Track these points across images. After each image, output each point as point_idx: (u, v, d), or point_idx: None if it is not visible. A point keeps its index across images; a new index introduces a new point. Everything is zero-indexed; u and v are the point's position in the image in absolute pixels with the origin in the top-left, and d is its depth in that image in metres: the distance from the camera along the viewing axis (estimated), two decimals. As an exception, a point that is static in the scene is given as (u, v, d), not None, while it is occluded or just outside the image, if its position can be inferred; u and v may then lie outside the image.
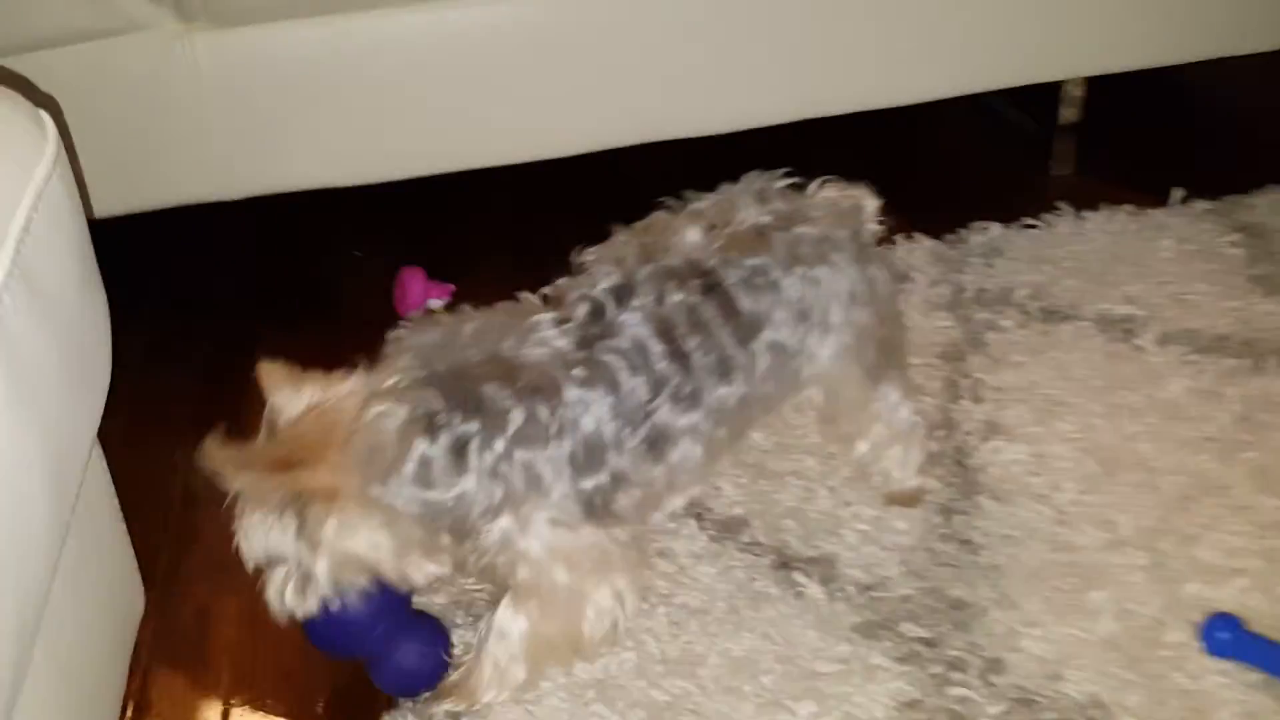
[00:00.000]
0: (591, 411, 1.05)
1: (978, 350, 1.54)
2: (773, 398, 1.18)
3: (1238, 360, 1.48)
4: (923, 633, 1.17)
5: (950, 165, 2.08)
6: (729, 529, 1.30)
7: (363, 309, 1.72)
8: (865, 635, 1.17)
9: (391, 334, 1.09)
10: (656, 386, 1.08)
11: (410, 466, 0.99)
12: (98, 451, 1.04)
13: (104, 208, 1.59)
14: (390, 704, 1.13)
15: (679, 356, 1.08)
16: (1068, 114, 2.10)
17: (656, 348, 1.07)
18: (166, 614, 1.25)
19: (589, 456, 1.06)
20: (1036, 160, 2.06)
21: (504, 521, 1.03)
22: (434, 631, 1.15)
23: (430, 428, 1.00)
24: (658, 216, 1.16)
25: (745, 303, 1.11)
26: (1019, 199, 1.86)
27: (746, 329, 1.11)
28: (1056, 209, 1.82)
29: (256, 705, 1.17)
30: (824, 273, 1.14)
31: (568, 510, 1.06)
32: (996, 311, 1.61)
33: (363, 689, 1.13)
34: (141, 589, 1.15)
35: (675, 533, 1.29)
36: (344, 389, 1.00)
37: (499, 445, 1.01)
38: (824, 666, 1.14)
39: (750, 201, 1.15)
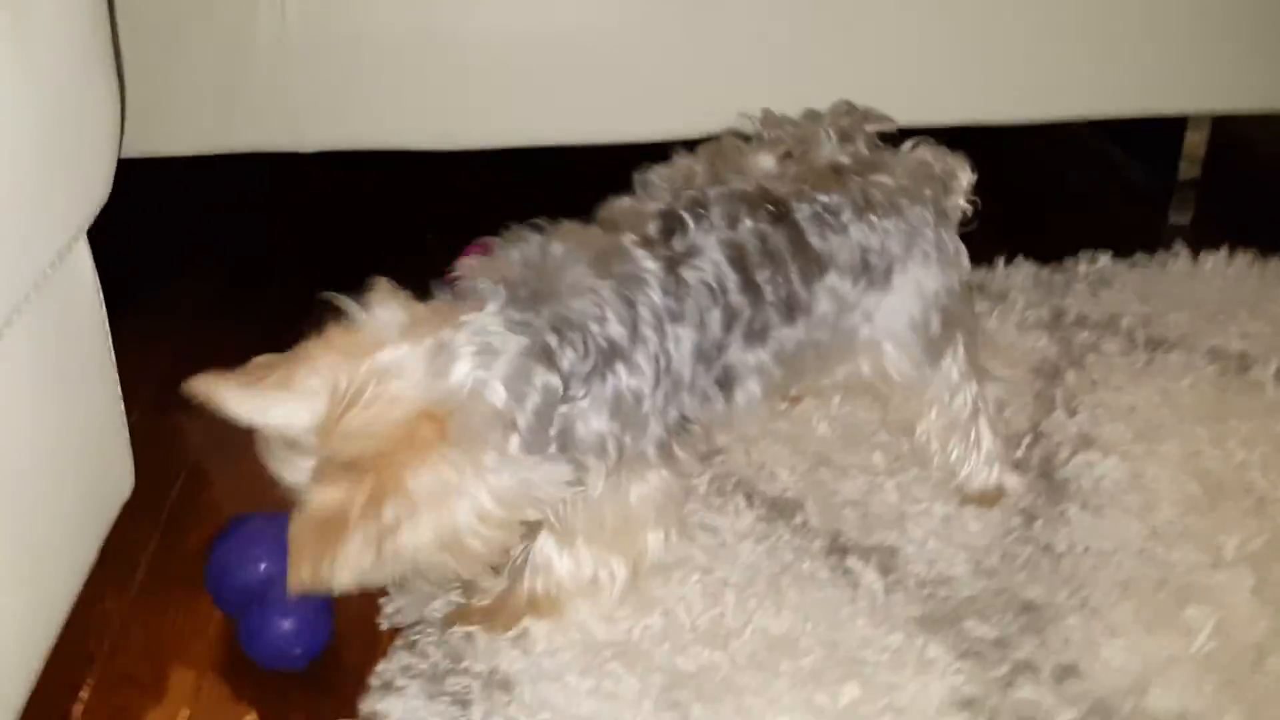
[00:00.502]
0: (681, 348, 0.97)
1: (1076, 369, 1.41)
2: (826, 352, 1.07)
3: (1362, 399, 1.33)
4: (989, 631, 1.03)
5: (1064, 200, 1.98)
6: (780, 510, 1.18)
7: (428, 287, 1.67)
8: (923, 628, 1.04)
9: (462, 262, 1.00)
10: (730, 320, 0.99)
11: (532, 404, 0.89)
12: (99, 307, 0.99)
13: (178, 145, 1.57)
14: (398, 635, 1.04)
15: (751, 288, 1.00)
16: (1188, 170, 1.99)
17: (733, 277, 0.99)
18: (173, 545, 1.18)
19: (668, 395, 0.97)
20: (1154, 208, 1.94)
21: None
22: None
23: (547, 358, 0.90)
24: (728, 139, 1.08)
25: (814, 240, 1.02)
26: (1133, 238, 1.74)
27: (812, 268, 1.02)
28: (1172, 250, 1.70)
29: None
30: (894, 225, 1.05)
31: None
32: (1099, 335, 1.48)
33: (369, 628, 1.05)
34: (131, 471, 1.08)
35: (720, 508, 1.18)
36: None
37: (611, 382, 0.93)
38: (872, 655, 1.01)
39: (832, 138, 1.07)
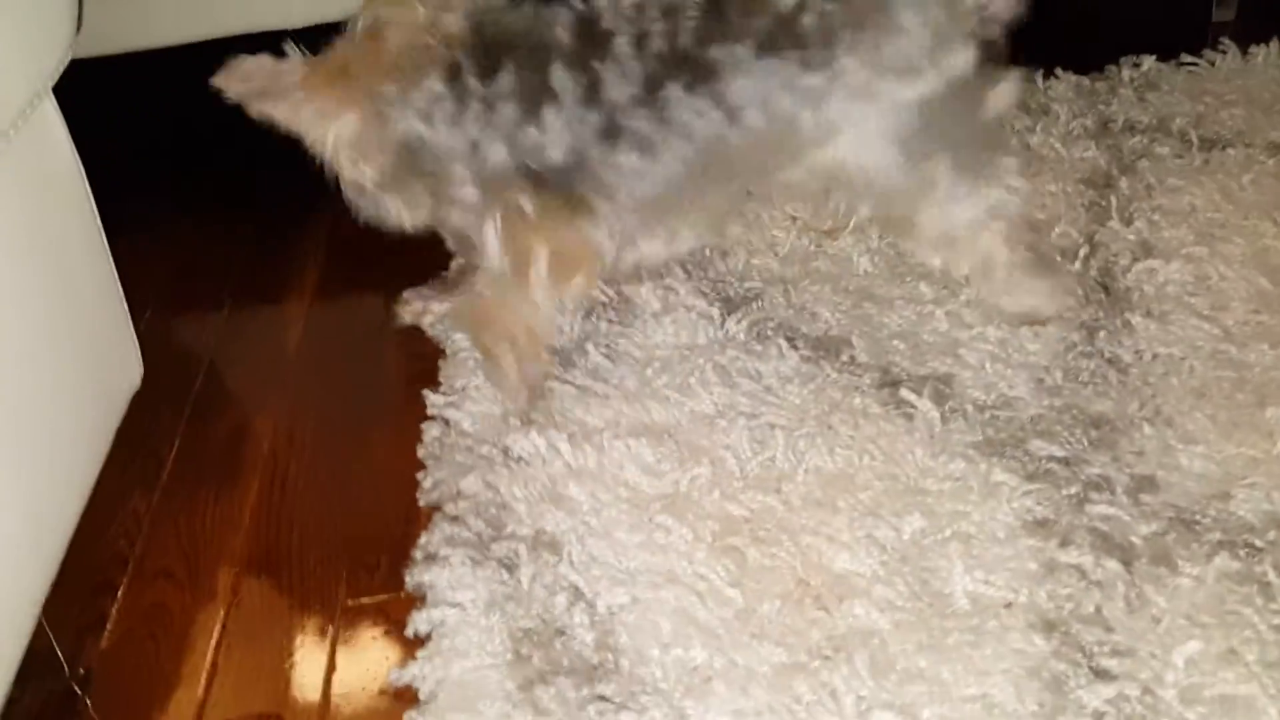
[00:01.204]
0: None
1: (1128, 175, 1.32)
2: (758, 139, 1.00)
3: None
4: (1057, 450, 0.97)
5: (1099, 6, 1.85)
6: (825, 348, 1.12)
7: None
8: (985, 453, 0.98)
9: None
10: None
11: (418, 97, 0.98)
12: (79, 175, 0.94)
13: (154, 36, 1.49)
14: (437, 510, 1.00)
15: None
16: (1231, -37, 1.85)
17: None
18: (197, 437, 1.14)
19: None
20: (1196, 6, 1.82)
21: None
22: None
23: (451, 74, 0.98)
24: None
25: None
26: (1176, 39, 1.62)
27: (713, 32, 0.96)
28: (1220, 47, 1.58)
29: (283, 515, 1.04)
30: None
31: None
32: (1150, 139, 1.39)
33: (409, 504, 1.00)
34: (139, 360, 1.03)
35: (761, 354, 1.12)
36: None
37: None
38: (934, 484, 0.96)
39: None
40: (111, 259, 1.00)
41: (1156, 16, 1.82)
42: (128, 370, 1.01)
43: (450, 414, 1.09)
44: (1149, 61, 1.56)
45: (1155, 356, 1.06)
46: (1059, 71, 1.56)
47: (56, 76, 0.89)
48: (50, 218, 0.89)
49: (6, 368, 0.78)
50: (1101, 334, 1.09)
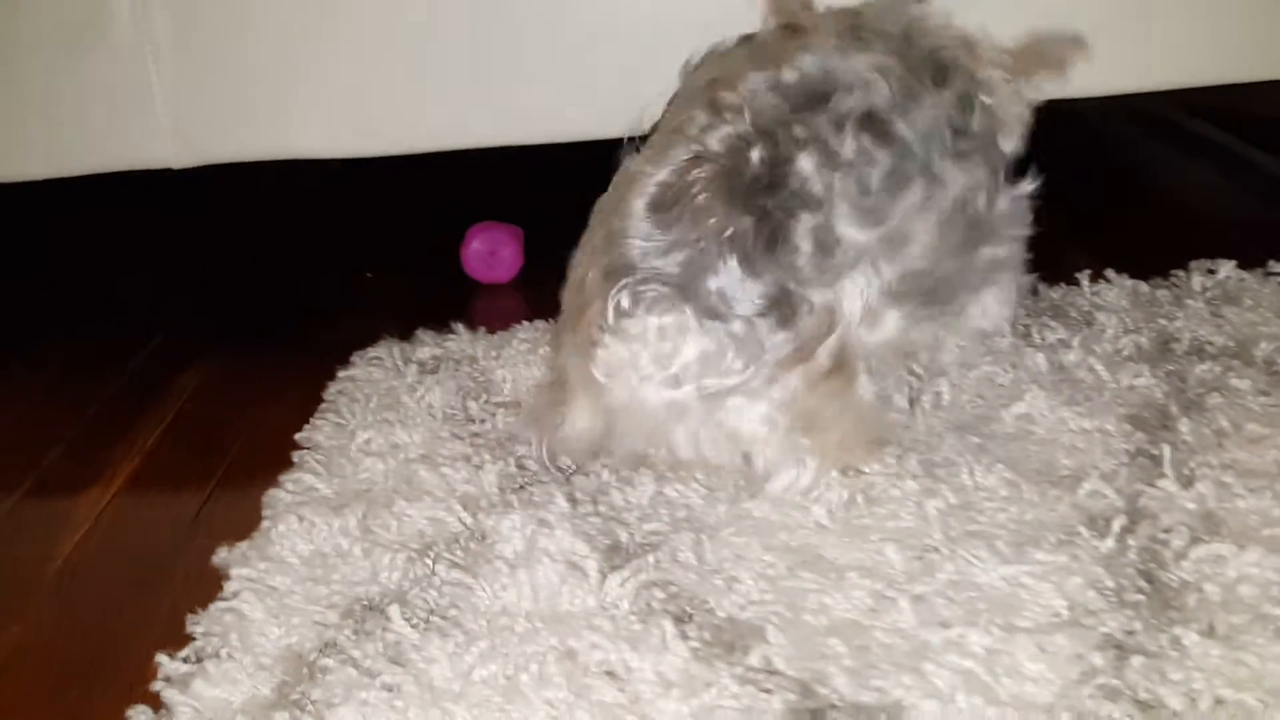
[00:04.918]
0: None
1: (1192, 415, 0.98)
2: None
3: None
4: None
5: (1168, 204, 1.54)
6: (728, 641, 0.78)
7: (316, 328, 1.35)
8: None
9: None
10: None
11: None
12: None
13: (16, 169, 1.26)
14: None
15: None
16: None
17: None
18: None
19: None
20: (1282, 206, 1.50)
21: None
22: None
23: None
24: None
25: None
26: (1258, 246, 1.29)
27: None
28: (1319, 255, 1.25)
29: None
30: None
31: None
32: (1224, 368, 1.05)
33: None
34: None
35: (638, 639, 0.78)
36: None
37: None
38: None
39: None
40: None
41: (1247, 213, 1.51)
42: None
43: (170, 695, 0.76)
44: (1227, 268, 1.23)
45: (1219, 702, 0.69)
46: (1110, 273, 1.24)
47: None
48: None
49: None
50: (1136, 660, 0.72)
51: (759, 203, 0.82)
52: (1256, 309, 1.16)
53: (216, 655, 0.80)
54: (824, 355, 0.84)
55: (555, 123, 1.29)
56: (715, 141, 0.83)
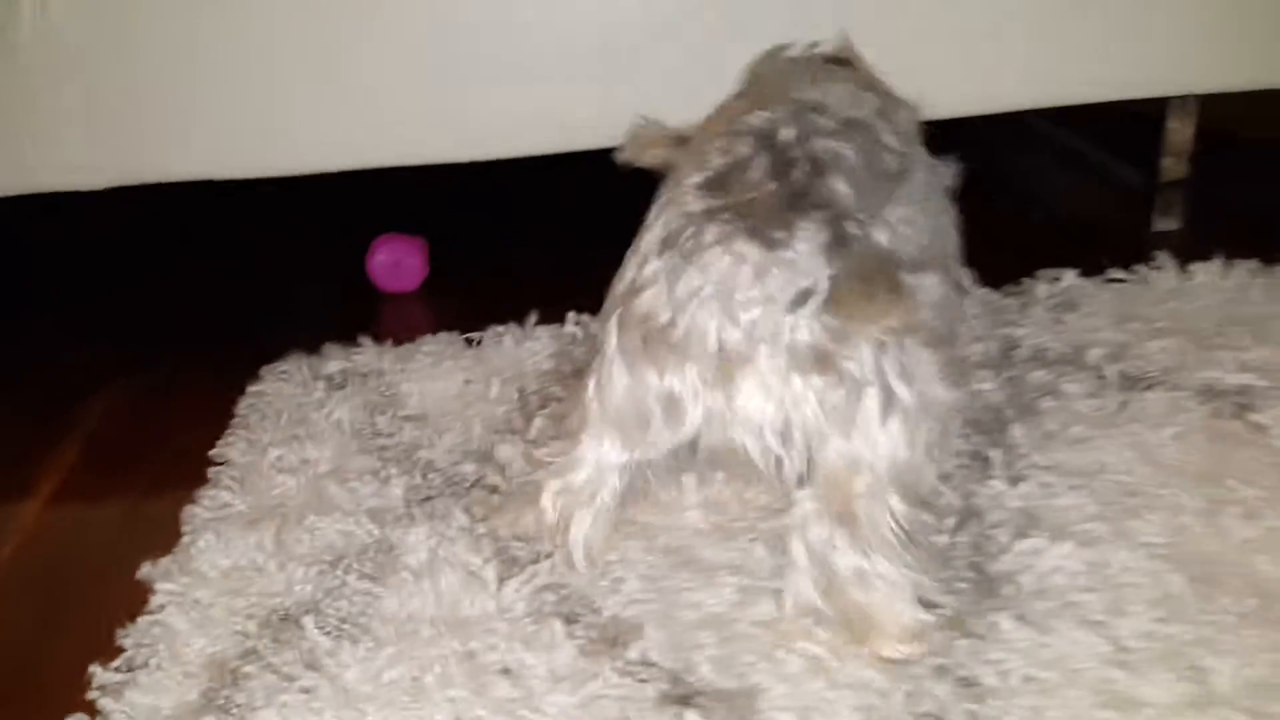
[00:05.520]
0: None
1: (1026, 419, 1.10)
2: None
3: (1406, 447, 1.00)
4: (874, 822, 0.72)
5: (1026, 213, 1.67)
6: (611, 638, 0.88)
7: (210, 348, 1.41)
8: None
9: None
10: None
11: None
12: None
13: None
14: None
15: None
16: (1173, 167, 1.68)
17: None
18: None
19: None
20: (1136, 214, 1.63)
21: None
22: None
23: None
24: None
25: None
26: (1107, 252, 1.42)
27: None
28: (1154, 262, 1.38)
29: None
30: None
31: None
32: (1060, 373, 1.17)
33: None
34: None
35: (533, 639, 0.87)
36: None
37: None
38: None
39: None
40: None
41: (1089, 221, 1.64)
42: None
43: (105, 703, 0.84)
44: (1070, 275, 1.36)
45: (1027, 680, 0.81)
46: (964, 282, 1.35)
47: None
48: None
49: None
50: (962, 643, 0.84)
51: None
52: (1093, 315, 1.29)
53: (146, 665, 0.87)
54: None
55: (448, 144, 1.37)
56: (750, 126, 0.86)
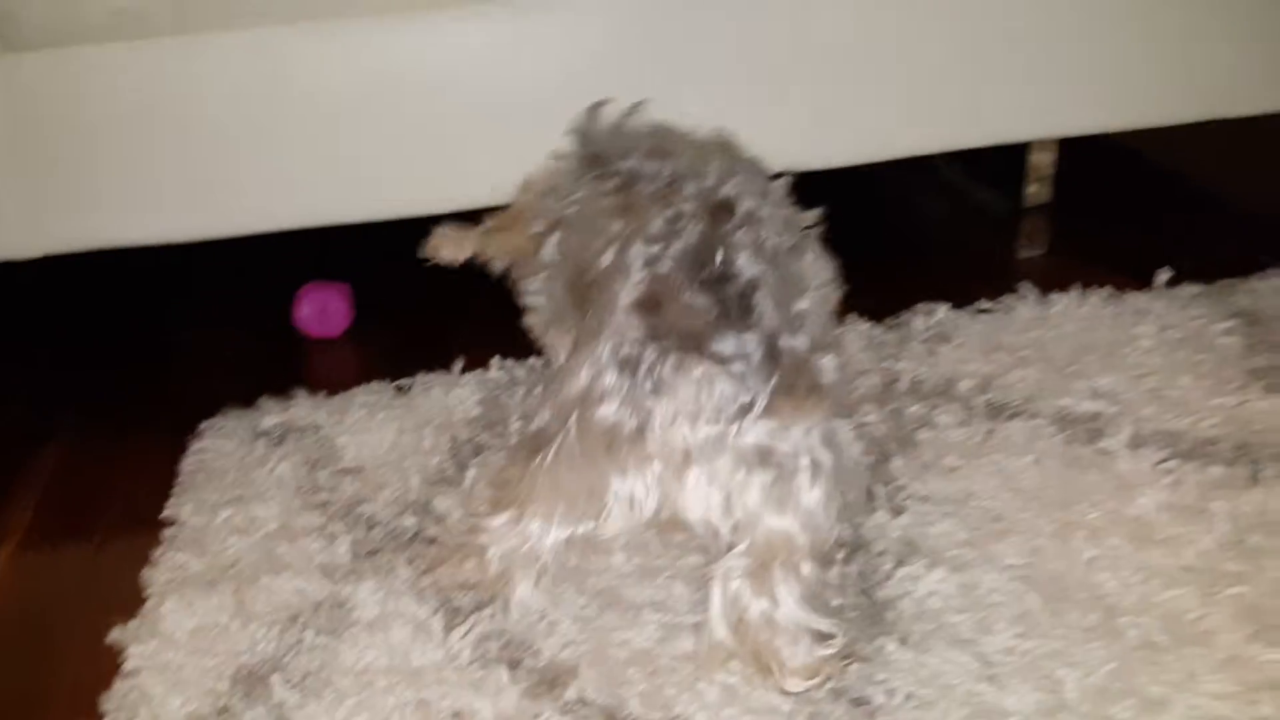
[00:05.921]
0: None
1: (906, 450, 1.24)
2: None
3: (1228, 469, 1.17)
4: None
5: (902, 245, 1.82)
6: (550, 680, 0.99)
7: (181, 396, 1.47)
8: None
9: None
10: None
11: None
12: None
13: None
14: None
15: None
16: (1037, 192, 1.84)
17: None
18: None
19: None
20: (1003, 242, 1.79)
21: None
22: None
23: None
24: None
25: None
26: (978, 282, 1.58)
27: None
28: (1017, 292, 1.54)
29: None
30: None
31: None
32: (933, 405, 1.31)
33: None
34: None
35: (479, 684, 0.99)
36: None
37: None
38: None
39: None
40: None
41: (974, 250, 1.78)
42: None
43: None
44: (943, 309, 1.51)
45: (908, 698, 0.95)
46: (850, 317, 1.49)
47: None
48: None
49: None
50: (855, 666, 0.98)
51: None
52: (963, 346, 1.44)
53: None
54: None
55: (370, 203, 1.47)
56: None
